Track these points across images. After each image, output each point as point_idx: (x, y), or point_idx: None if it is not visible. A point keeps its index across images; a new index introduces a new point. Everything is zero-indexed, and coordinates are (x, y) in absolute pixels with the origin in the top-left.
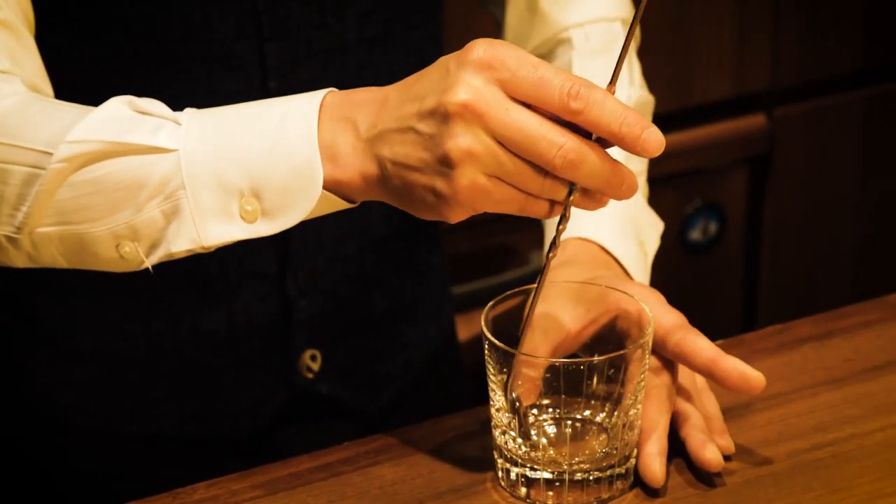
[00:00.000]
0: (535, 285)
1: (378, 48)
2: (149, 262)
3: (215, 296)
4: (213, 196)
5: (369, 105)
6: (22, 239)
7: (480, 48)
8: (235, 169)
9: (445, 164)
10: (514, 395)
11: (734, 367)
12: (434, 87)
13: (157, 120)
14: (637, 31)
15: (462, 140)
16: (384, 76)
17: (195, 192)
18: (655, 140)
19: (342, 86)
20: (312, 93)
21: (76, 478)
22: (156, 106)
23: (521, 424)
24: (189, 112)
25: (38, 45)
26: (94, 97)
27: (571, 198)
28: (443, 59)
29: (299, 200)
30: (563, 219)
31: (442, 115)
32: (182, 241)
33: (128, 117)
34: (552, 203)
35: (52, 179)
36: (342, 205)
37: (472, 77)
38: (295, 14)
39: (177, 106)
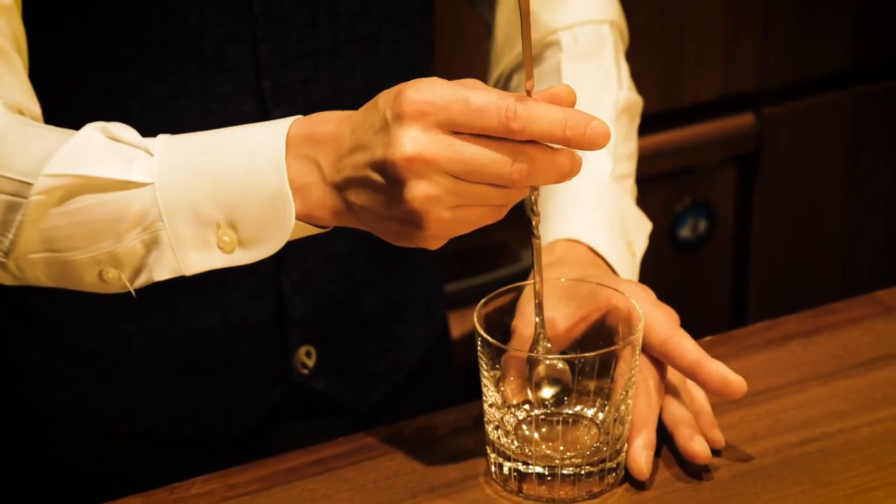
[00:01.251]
0: (528, 282)
1: (370, 47)
2: (132, 287)
3: (210, 294)
4: (191, 228)
5: (328, 145)
6: (8, 263)
7: (409, 96)
8: (210, 202)
9: (409, 212)
10: (505, 390)
11: (717, 370)
12: (376, 137)
13: (130, 149)
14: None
15: (418, 190)
16: (376, 75)
17: (173, 225)
18: (601, 133)
19: (335, 85)
20: (278, 123)
21: (72, 476)
22: (128, 133)
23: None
24: (161, 140)
25: (32, 45)
26: (89, 97)
27: (536, 194)
28: (381, 103)
29: (274, 232)
30: (534, 214)
31: (391, 170)
32: (164, 271)
33: (102, 146)
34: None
35: (34, 210)
36: (316, 230)
37: (409, 129)
38: (288, 14)
39: (173, 106)
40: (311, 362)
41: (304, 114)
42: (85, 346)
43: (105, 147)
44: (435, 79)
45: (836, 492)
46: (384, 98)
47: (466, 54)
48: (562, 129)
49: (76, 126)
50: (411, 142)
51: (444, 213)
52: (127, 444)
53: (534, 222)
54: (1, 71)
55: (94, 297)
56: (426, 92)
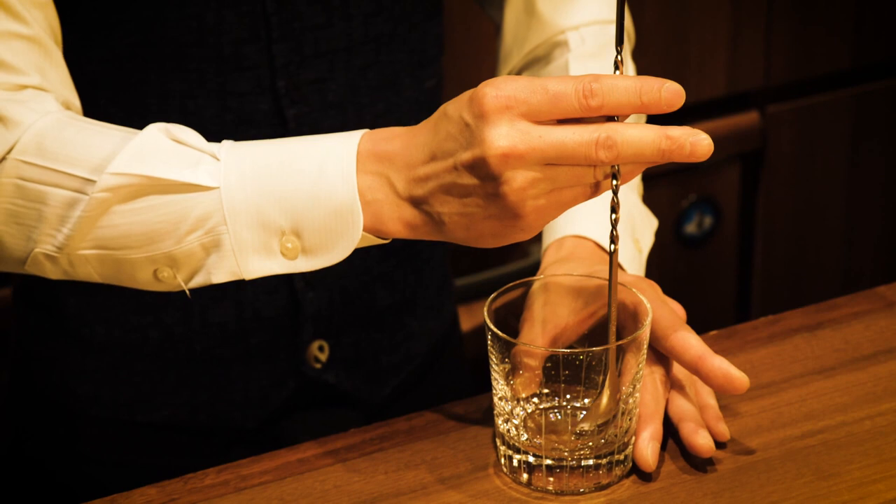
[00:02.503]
0: (538, 277)
1: (383, 47)
2: (187, 287)
3: (225, 289)
4: (254, 233)
5: (398, 161)
6: (61, 258)
7: (490, 94)
8: (276, 209)
9: (507, 206)
10: (515, 383)
11: (720, 366)
12: (460, 142)
13: (195, 153)
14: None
15: (514, 183)
16: (389, 74)
17: (236, 229)
18: (675, 93)
19: (350, 84)
20: (348, 135)
21: (87, 465)
22: (191, 136)
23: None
24: (226, 145)
25: None
26: (110, 96)
27: (616, 182)
28: (452, 112)
29: (340, 242)
30: (616, 210)
31: (483, 168)
32: (222, 273)
33: (167, 148)
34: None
35: (96, 207)
36: (378, 241)
37: (497, 126)
38: (302, 15)
39: (191, 104)
40: (323, 356)
41: (320, 113)
42: (103, 339)
43: (170, 149)
44: (506, 76)
45: (839, 484)
46: (454, 105)
47: (475, 53)
48: (637, 96)
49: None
50: (502, 138)
51: (540, 200)
52: (143, 435)
53: (614, 217)
54: (45, 65)
55: (113, 290)
56: (504, 87)
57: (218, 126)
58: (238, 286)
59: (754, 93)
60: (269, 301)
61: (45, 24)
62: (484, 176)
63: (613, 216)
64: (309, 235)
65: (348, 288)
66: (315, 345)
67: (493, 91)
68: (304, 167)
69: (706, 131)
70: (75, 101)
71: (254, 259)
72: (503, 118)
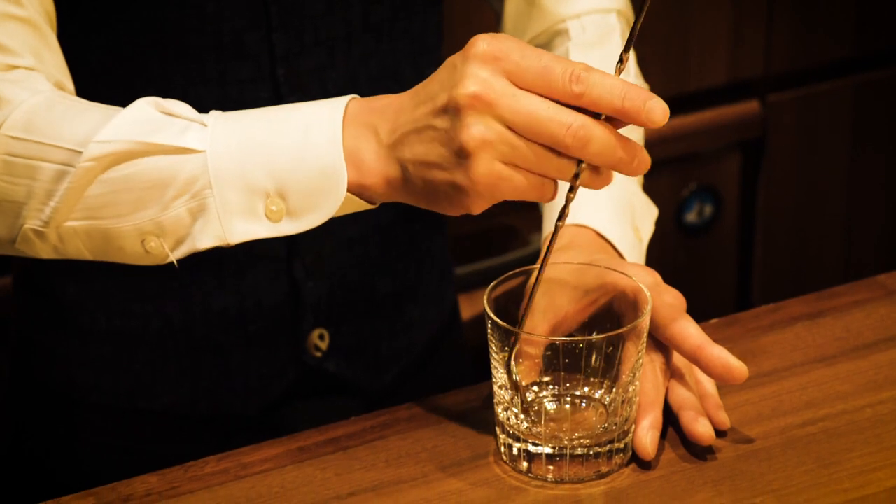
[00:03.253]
0: (537, 265)
1: (384, 36)
2: (174, 257)
3: (225, 277)
4: (239, 196)
5: (387, 111)
6: (49, 233)
7: (484, 42)
8: (261, 171)
9: (462, 155)
10: (515, 373)
11: (718, 356)
12: (444, 84)
13: (183, 122)
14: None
15: (475, 129)
16: (390, 63)
17: (222, 192)
18: (660, 109)
19: (350, 73)
20: (335, 99)
21: (89, 453)
22: (181, 107)
23: (522, 401)
24: (214, 114)
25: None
26: (110, 84)
27: (580, 168)
28: (449, 59)
29: (324, 202)
30: (573, 189)
31: (454, 109)
32: (207, 239)
33: (154, 118)
34: (557, 184)
35: (82, 177)
36: (364, 206)
37: (478, 69)
38: (302, 3)
39: (192, 92)
40: (324, 345)
41: None
42: (104, 327)
43: (158, 119)
44: (508, 35)
45: (840, 472)
46: (452, 57)
47: None
48: (620, 99)
49: None
50: (478, 81)
51: (495, 163)
52: (143, 422)
53: (569, 196)
54: (40, 48)
55: (113, 278)
56: (501, 41)
57: None
58: (239, 273)
59: (755, 81)
60: (270, 289)
61: (39, 7)
62: (451, 116)
63: (569, 194)
64: (293, 197)
65: (348, 277)
66: (315, 333)
67: (489, 39)
68: (290, 126)
69: (707, 120)
70: (69, 84)
71: (239, 222)
72: (487, 66)
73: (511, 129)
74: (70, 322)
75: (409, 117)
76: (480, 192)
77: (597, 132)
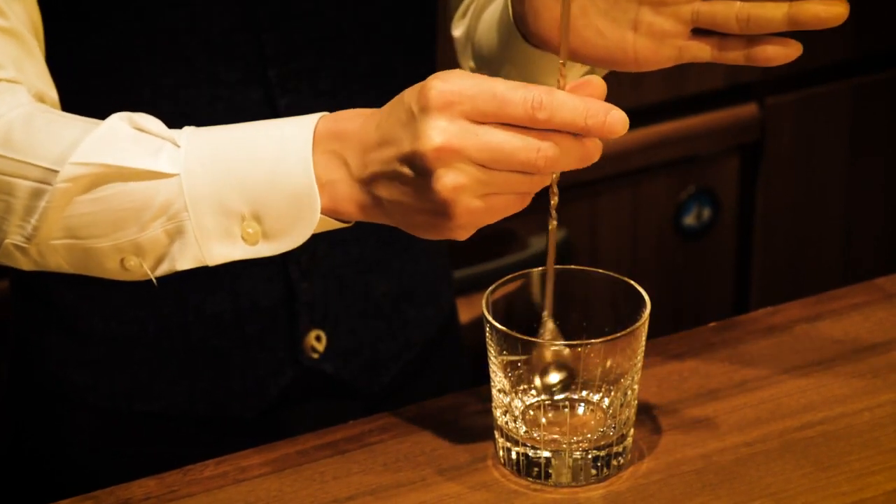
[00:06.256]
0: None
1: (375, 35)
2: (154, 276)
3: (220, 279)
4: (216, 219)
5: (352, 141)
6: (30, 248)
7: (435, 88)
8: (236, 194)
9: (438, 203)
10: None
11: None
12: (403, 131)
13: (156, 140)
14: None
15: (447, 179)
16: (381, 63)
17: (198, 216)
18: (619, 121)
19: (341, 73)
20: (305, 119)
21: (86, 456)
22: (154, 124)
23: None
24: (187, 132)
25: (45, 35)
26: (101, 86)
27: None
28: (406, 98)
29: (299, 225)
30: (552, 194)
31: (420, 161)
32: (186, 260)
33: (129, 136)
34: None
35: (60, 198)
36: (339, 225)
37: (436, 120)
38: (292, 2)
39: (182, 93)
40: (320, 346)
41: (311, 102)
42: (101, 330)
43: (131, 137)
44: (459, 70)
45: (838, 475)
46: (409, 93)
47: None
48: (583, 119)
49: (88, 114)
50: (439, 132)
51: (472, 202)
52: (140, 424)
53: (552, 202)
54: (21, 57)
55: (109, 282)
56: (452, 83)
57: (209, 116)
58: (234, 275)
59: (753, 84)
60: (265, 290)
61: (24, 18)
62: (419, 170)
63: (552, 201)
64: (269, 220)
65: (344, 277)
66: (312, 334)
67: (440, 84)
68: (262, 153)
69: (705, 123)
70: (51, 93)
71: (216, 245)
72: (444, 114)
73: (481, 164)
74: (67, 325)
75: (375, 157)
76: (462, 226)
77: (564, 146)
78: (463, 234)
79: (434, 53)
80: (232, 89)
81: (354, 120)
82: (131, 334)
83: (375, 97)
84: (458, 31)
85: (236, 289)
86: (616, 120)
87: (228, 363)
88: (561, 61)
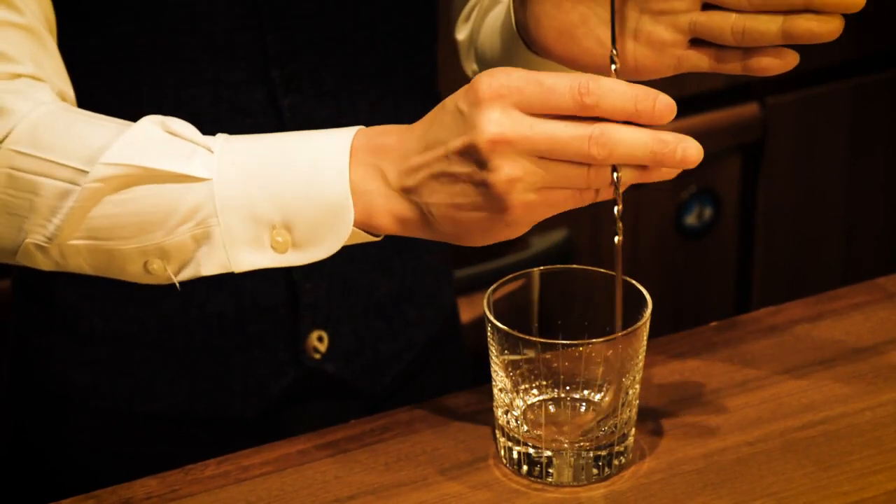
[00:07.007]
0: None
1: (377, 35)
2: (177, 280)
3: (223, 279)
4: (245, 226)
5: (392, 153)
6: (51, 248)
7: (484, 83)
8: (268, 202)
9: (494, 197)
10: (515, 374)
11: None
12: (453, 130)
13: (189, 145)
14: None
15: (503, 171)
16: (384, 63)
17: (227, 222)
18: (668, 105)
19: (344, 73)
20: (341, 131)
21: (88, 456)
22: (187, 129)
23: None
24: (221, 139)
25: None
26: (104, 86)
27: (617, 176)
28: (448, 103)
29: (330, 236)
30: (618, 202)
31: (475, 154)
32: (212, 266)
33: (162, 140)
34: (598, 190)
35: (88, 198)
36: (369, 238)
37: (489, 112)
38: (294, 3)
39: (185, 94)
40: (322, 347)
41: (314, 102)
42: (102, 330)
43: (164, 141)
44: (505, 67)
45: (840, 475)
46: (453, 97)
47: None
48: (633, 103)
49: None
50: (493, 124)
51: (528, 195)
52: (142, 425)
53: (616, 210)
54: (40, 55)
55: (111, 282)
56: (499, 78)
57: (212, 116)
58: (236, 276)
59: (754, 84)
60: (268, 291)
61: (39, 14)
62: (473, 162)
63: (616, 208)
64: (300, 230)
65: (346, 277)
66: (314, 335)
67: (489, 80)
68: (298, 163)
69: (706, 123)
70: (69, 90)
71: (244, 252)
72: (496, 105)
73: (537, 155)
74: (68, 325)
75: (418, 162)
76: (517, 222)
77: (618, 133)
78: (517, 231)
79: (435, 53)
80: (235, 89)
81: (391, 134)
82: (133, 334)
83: (378, 96)
84: (461, 34)
85: (238, 289)
86: (665, 105)
87: (230, 363)
88: (613, 51)
